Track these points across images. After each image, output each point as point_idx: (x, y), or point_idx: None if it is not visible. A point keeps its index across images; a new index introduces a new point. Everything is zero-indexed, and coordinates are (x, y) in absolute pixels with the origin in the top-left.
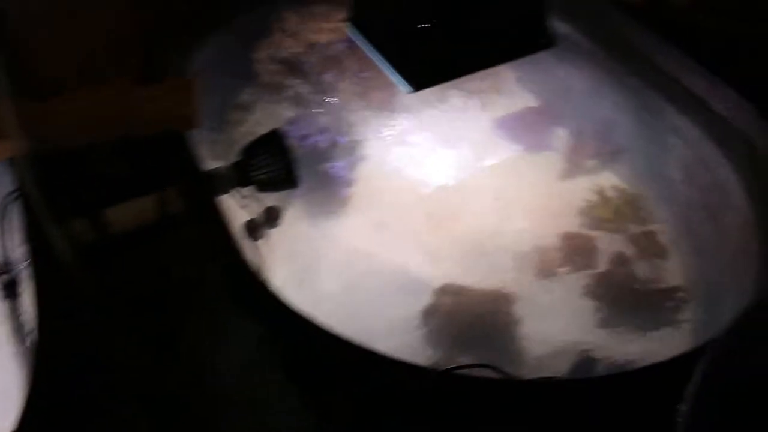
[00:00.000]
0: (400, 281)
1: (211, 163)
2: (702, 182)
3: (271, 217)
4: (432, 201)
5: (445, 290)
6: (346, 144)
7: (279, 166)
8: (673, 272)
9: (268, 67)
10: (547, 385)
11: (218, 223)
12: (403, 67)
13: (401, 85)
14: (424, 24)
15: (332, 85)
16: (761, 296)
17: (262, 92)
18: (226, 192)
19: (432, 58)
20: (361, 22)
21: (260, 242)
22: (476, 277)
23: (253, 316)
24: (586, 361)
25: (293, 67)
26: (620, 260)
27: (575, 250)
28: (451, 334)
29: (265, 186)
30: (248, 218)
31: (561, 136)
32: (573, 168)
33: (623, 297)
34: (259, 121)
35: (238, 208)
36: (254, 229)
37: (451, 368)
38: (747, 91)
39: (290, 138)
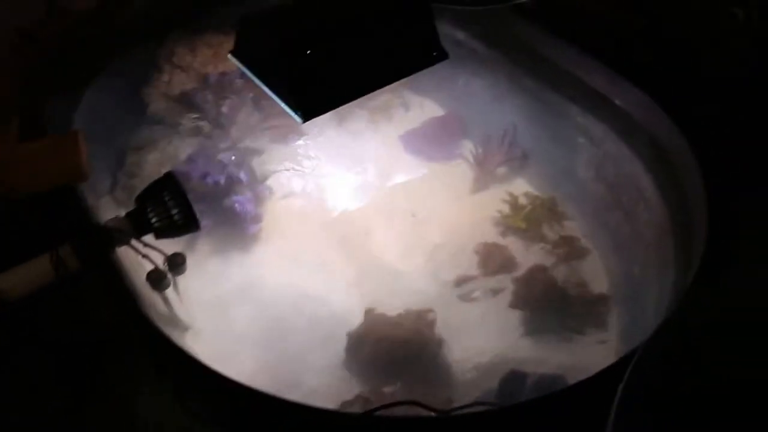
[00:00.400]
0: (318, 314)
1: (109, 214)
2: (613, 180)
3: (175, 264)
4: (343, 227)
5: (365, 319)
6: (249, 177)
7: (177, 211)
8: (594, 273)
9: (162, 105)
10: (474, 417)
11: (117, 278)
12: (290, 97)
13: (292, 115)
14: (308, 50)
15: (230, 118)
16: (678, 306)
17: (157, 132)
18: (123, 244)
19: (320, 84)
20: (244, 52)
21: (167, 292)
22: (396, 301)
23: (164, 372)
24: (515, 377)
25: (188, 102)
26: (539, 267)
27: (493, 262)
28: (376, 365)
29: (165, 232)
30: (150, 269)
31: (468, 146)
32: (483, 178)
33: (547, 304)
34: (159, 162)
35: (138, 259)
36: (158, 279)
37: (371, 410)
38: (648, 86)
39: (190, 177)
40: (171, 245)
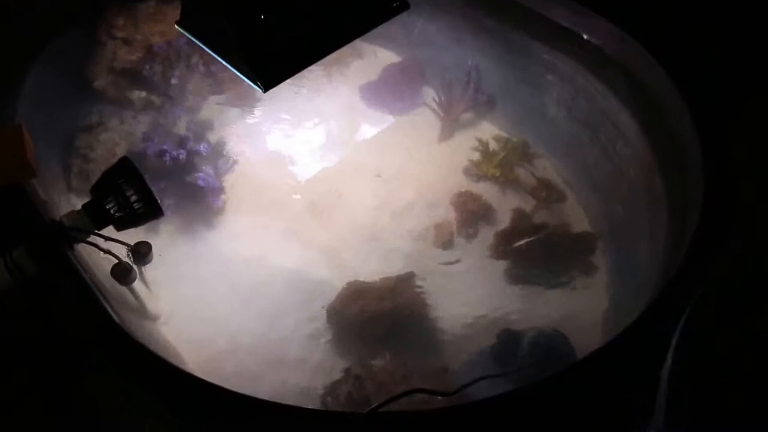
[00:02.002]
0: (295, 287)
1: (64, 207)
2: (587, 117)
3: (140, 253)
4: (311, 191)
5: (346, 288)
6: (209, 149)
7: (136, 198)
8: (575, 216)
9: (108, 81)
10: (491, 404)
11: (78, 278)
12: (248, 67)
13: (252, 86)
14: (262, 14)
15: (181, 89)
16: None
17: (107, 110)
18: (81, 241)
19: (278, 49)
20: (192, 22)
21: (134, 285)
22: (375, 266)
23: (139, 380)
24: (510, 337)
25: (135, 76)
26: (519, 213)
27: (470, 213)
28: (361, 337)
29: (126, 223)
30: (114, 263)
31: (431, 94)
32: (450, 126)
33: (530, 251)
34: (112, 142)
35: (100, 254)
36: (123, 273)
37: (375, 408)
38: (617, 16)
39: (147, 156)
40: (134, 234)
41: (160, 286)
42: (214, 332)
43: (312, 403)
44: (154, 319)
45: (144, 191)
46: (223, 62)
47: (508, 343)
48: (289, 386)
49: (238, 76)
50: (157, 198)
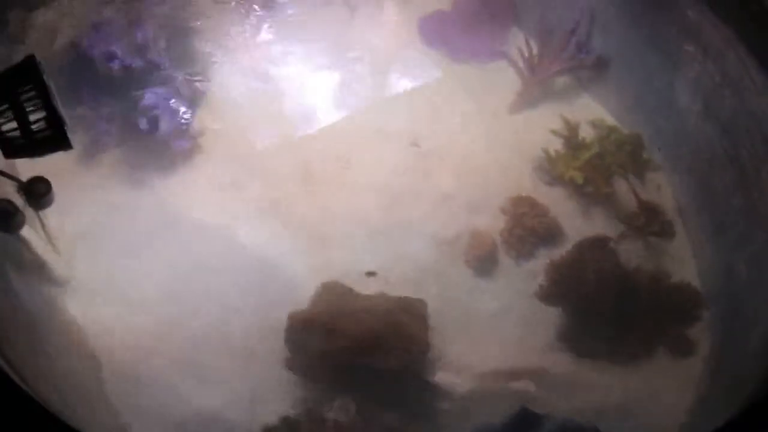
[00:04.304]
0: (259, 279)
1: None
2: (731, 120)
3: (35, 193)
4: (312, 151)
5: (323, 294)
6: (178, 65)
7: (38, 117)
8: (680, 261)
9: None
10: None
11: None
12: None
13: None
14: None
15: None
16: None
17: None
18: None
19: None
20: None
21: (29, 237)
22: (374, 272)
23: None
24: (525, 419)
25: None
26: (598, 243)
27: (528, 232)
28: (323, 366)
29: (18, 149)
30: None
31: (517, 40)
32: (532, 90)
33: (599, 299)
34: (51, 27)
35: None
36: (7, 216)
37: None
38: None
39: (89, 54)
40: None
41: (69, 243)
42: (135, 319)
43: None
44: (58, 284)
45: (49, 109)
46: None
47: (519, 425)
48: (209, 415)
49: None
50: (66, 121)
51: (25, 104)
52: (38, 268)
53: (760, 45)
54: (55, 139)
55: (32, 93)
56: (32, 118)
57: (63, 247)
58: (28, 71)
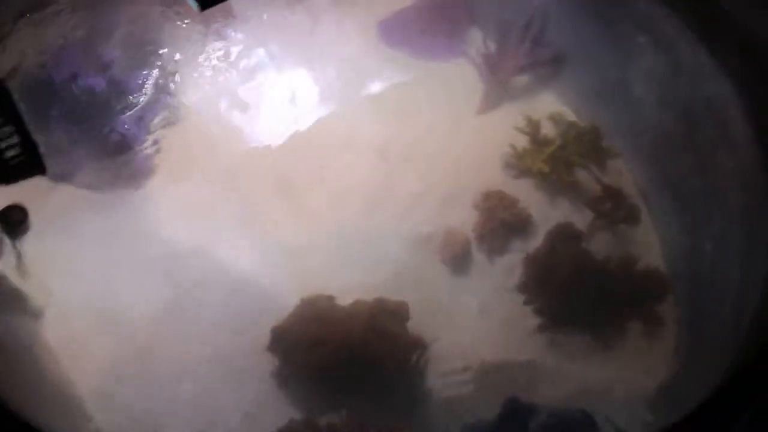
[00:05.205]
0: (236, 294)
1: None
2: (686, 106)
3: (11, 221)
4: (282, 162)
5: (305, 306)
6: (143, 82)
7: (9, 144)
8: (646, 244)
9: None
10: None
11: None
12: None
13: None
14: None
15: None
16: None
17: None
18: None
19: None
20: None
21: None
22: (353, 278)
23: None
24: (515, 410)
25: None
26: (568, 233)
27: (500, 224)
28: (312, 378)
29: None
30: None
31: (476, 40)
32: (495, 91)
33: (574, 287)
34: (8, 52)
35: None
36: None
37: None
38: None
39: (52, 79)
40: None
41: (45, 270)
42: (115, 345)
43: None
44: (32, 315)
45: (21, 133)
46: None
47: (511, 418)
48: None
49: None
50: (39, 145)
51: None
52: (11, 300)
53: (709, 33)
54: (29, 164)
55: (2, 119)
56: (2, 145)
57: (37, 275)
58: None
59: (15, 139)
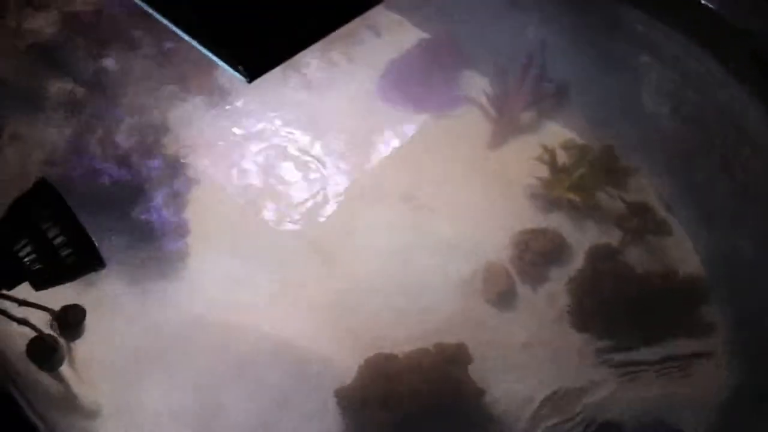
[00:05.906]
0: (293, 364)
1: None
2: (700, 114)
3: (69, 323)
4: (310, 226)
5: (364, 367)
6: (163, 167)
7: (63, 242)
8: (682, 254)
9: (11, 65)
10: None
11: None
12: (227, 48)
13: (232, 73)
14: None
15: (122, 74)
16: None
17: (12, 109)
18: None
19: (266, 26)
20: None
21: (58, 367)
22: (401, 331)
23: None
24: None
25: (53, 55)
26: (606, 251)
27: (537, 254)
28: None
29: (48, 278)
30: (32, 337)
31: (476, 83)
32: (505, 129)
33: (621, 304)
34: (20, 156)
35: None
36: (45, 352)
37: None
38: None
39: (71, 177)
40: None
41: (97, 367)
42: None
43: None
44: (90, 416)
45: (75, 230)
46: (192, 41)
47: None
48: None
49: (207, 60)
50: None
51: (46, 231)
52: (70, 402)
53: (716, 44)
54: (86, 261)
55: (52, 217)
56: (57, 243)
57: (89, 374)
58: (43, 195)
59: (66, 237)
